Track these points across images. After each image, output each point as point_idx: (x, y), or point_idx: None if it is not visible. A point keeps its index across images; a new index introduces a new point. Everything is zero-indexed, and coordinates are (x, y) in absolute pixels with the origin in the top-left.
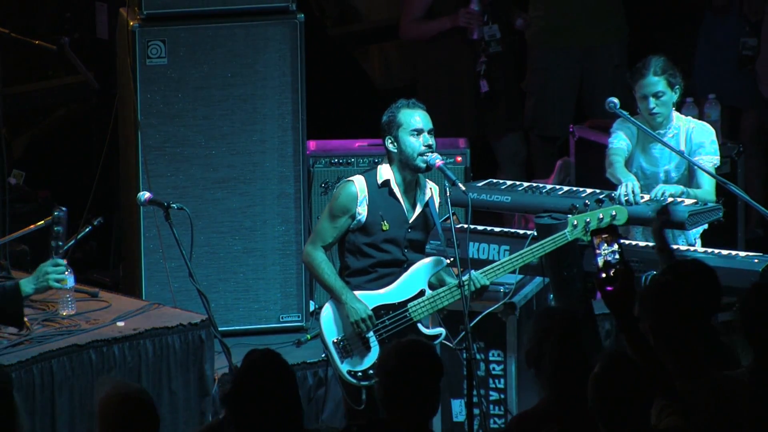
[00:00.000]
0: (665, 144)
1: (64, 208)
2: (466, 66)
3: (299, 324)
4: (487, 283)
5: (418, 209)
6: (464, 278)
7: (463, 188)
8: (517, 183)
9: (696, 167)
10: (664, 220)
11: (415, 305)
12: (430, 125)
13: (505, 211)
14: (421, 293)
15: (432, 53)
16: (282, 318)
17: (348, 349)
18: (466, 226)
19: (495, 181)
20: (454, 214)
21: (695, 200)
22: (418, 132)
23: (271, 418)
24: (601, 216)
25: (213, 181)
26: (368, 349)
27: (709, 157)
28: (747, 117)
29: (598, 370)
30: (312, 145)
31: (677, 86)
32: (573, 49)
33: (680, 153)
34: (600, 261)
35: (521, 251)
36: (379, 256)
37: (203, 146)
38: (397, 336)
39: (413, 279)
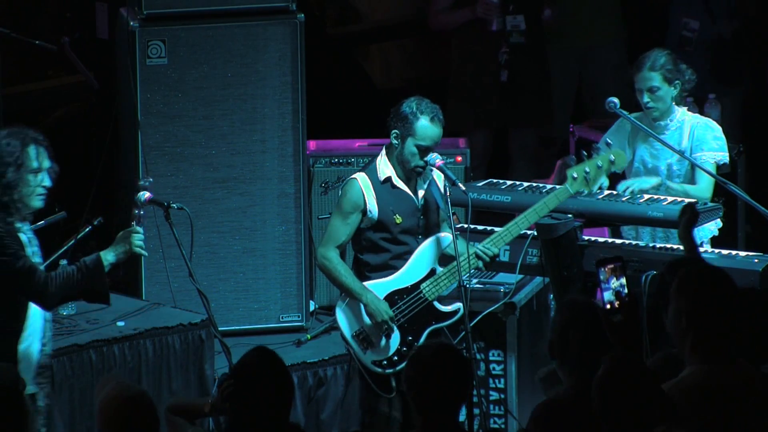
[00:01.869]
0: (662, 142)
1: (150, 179)
2: (489, 56)
3: (299, 324)
4: (497, 251)
5: (421, 193)
6: (470, 251)
7: (463, 188)
8: (517, 183)
9: (695, 165)
10: (688, 219)
11: (428, 285)
12: (438, 143)
13: (505, 211)
14: (432, 272)
15: (458, 43)
16: (282, 318)
17: (369, 340)
18: (466, 226)
19: (495, 181)
20: (454, 213)
21: (694, 199)
22: (425, 150)
23: (266, 414)
24: (599, 164)
25: (213, 181)
26: (389, 336)
27: (712, 154)
28: (713, 107)
29: (602, 371)
30: (312, 145)
31: (677, 81)
32: (572, 50)
33: (679, 152)
34: (606, 294)
35: (525, 212)
36: (396, 249)
37: (203, 146)
38: (416, 318)
39: (421, 260)
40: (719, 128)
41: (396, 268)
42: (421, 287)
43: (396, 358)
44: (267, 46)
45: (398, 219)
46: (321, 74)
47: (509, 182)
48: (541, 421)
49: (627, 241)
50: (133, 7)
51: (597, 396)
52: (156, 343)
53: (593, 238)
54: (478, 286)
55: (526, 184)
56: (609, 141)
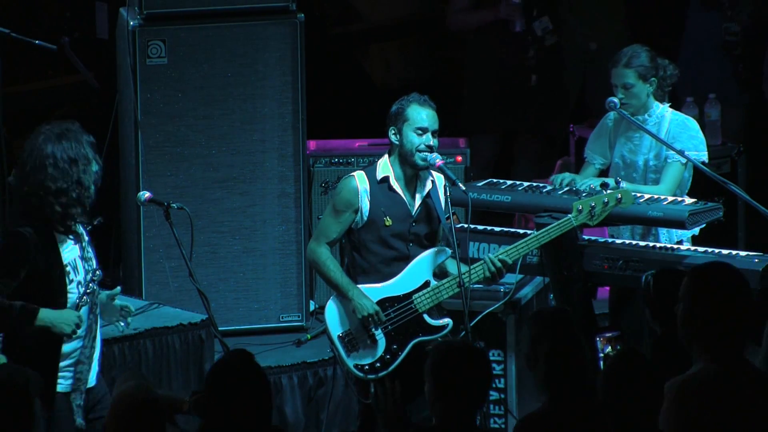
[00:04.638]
0: (651, 134)
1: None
2: (513, 59)
3: (299, 324)
4: (489, 275)
5: (418, 200)
6: (478, 264)
7: (463, 188)
8: (517, 183)
9: (681, 157)
10: None
11: (420, 296)
12: (435, 126)
13: (505, 211)
14: (426, 284)
15: (478, 46)
16: (282, 318)
17: (354, 343)
18: (466, 226)
19: (495, 181)
20: (454, 213)
21: (694, 199)
22: (423, 130)
23: (243, 418)
24: (606, 200)
25: (213, 181)
26: (374, 342)
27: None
28: (731, 113)
29: (608, 365)
30: (312, 145)
31: (653, 78)
32: (576, 50)
33: (679, 151)
34: (602, 363)
35: (525, 239)
36: (384, 252)
37: (203, 146)
38: (403, 328)
39: (417, 270)
40: (697, 127)
41: (382, 273)
42: (413, 297)
43: (378, 365)
44: (267, 46)
45: (388, 221)
46: (321, 74)
47: (509, 182)
48: None
49: (627, 241)
50: (133, 7)
51: (603, 388)
52: (156, 343)
53: (593, 238)
54: (478, 286)
55: (526, 183)
56: (599, 158)
